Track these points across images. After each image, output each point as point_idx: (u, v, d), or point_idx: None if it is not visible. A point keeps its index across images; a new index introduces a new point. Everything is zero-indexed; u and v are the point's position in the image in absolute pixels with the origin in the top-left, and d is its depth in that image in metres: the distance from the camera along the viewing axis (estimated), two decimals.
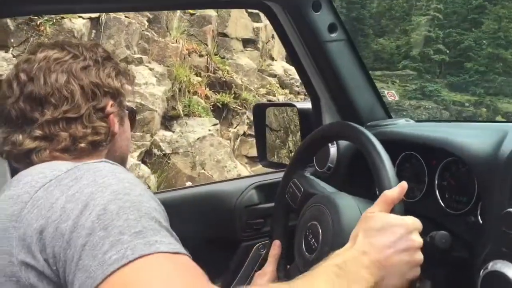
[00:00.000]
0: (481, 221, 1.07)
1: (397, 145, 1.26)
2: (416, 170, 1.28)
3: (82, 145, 0.91)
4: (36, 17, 4.36)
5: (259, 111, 1.68)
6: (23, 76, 0.92)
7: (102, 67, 0.97)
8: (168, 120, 5.60)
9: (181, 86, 5.89)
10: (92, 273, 0.64)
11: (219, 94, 6.66)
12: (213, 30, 7.79)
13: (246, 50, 8.64)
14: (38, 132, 0.90)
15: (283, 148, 1.73)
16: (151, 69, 5.55)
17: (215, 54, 7.62)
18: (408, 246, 0.86)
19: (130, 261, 0.63)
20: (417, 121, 1.54)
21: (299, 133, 1.58)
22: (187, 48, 6.66)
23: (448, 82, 31.83)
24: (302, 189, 1.18)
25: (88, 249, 0.66)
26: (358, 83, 1.42)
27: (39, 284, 0.70)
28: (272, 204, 1.31)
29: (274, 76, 8.64)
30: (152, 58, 5.85)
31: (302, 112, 1.53)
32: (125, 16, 5.59)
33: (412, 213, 0.96)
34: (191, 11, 7.88)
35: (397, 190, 0.91)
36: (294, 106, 1.57)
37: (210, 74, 6.90)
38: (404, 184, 0.92)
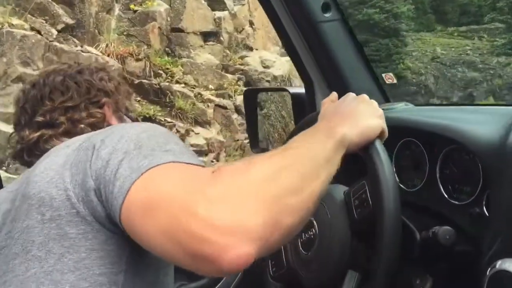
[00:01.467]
0: (487, 214, 1.15)
1: (395, 131, 1.31)
2: (416, 157, 1.37)
3: (82, 126, 1.22)
4: None
5: (250, 96, 1.80)
6: (27, 86, 1.31)
7: (95, 72, 1.32)
8: None
9: None
10: (128, 177, 0.85)
11: (151, 104, 6.78)
12: (159, 28, 7.92)
13: (207, 44, 8.79)
14: (39, 119, 1.22)
15: (276, 135, 1.84)
16: None
17: (167, 54, 7.72)
18: (361, 99, 1.15)
19: (160, 164, 0.85)
20: (417, 105, 1.65)
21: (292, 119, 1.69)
22: (120, 52, 6.76)
23: None
24: None
25: (124, 163, 0.87)
26: (354, 66, 1.54)
27: (95, 212, 0.91)
28: None
29: (241, 71, 8.73)
30: None
31: (295, 97, 1.65)
32: (24, 29, 5.66)
33: (412, 203, 1.08)
34: (133, 8, 8.00)
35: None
36: (286, 90, 1.70)
37: (144, 81, 7.00)
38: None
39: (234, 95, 8.12)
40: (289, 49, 1.57)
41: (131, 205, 0.84)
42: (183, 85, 7.59)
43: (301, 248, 1.26)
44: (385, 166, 1.07)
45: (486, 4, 33.73)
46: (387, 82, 1.73)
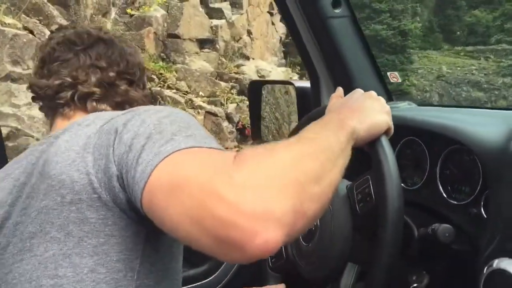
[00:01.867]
0: (484, 214, 1.20)
1: (398, 130, 1.35)
2: (417, 156, 1.44)
3: (128, 107, 1.23)
4: None
5: (255, 88, 1.87)
6: (95, 33, 1.32)
7: (126, 45, 1.35)
8: None
9: None
10: (150, 162, 0.87)
11: None
12: (154, 33, 8.09)
13: (203, 51, 9.00)
14: (111, 74, 1.26)
15: (279, 128, 1.91)
16: None
17: (162, 60, 7.84)
18: (369, 95, 1.21)
19: (182, 149, 0.88)
20: (419, 104, 1.71)
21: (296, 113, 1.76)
22: None
23: None
24: None
25: (147, 148, 0.90)
26: (360, 63, 1.62)
27: (116, 199, 0.95)
28: None
29: (235, 80, 8.89)
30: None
31: (300, 91, 1.72)
32: (17, 28, 5.74)
33: (411, 201, 1.12)
34: (130, 12, 8.21)
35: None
36: (292, 84, 1.76)
37: None
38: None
39: (226, 103, 8.26)
40: (298, 43, 1.64)
41: (153, 189, 0.86)
42: (174, 90, 7.70)
43: (301, 240, 1.32)
44: (390, 163, 1.12)
45: (494, 25, 34.24)
46: (391, 80, 1.82)
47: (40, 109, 1.32)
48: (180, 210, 0.82)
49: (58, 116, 1.26)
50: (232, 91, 8.65)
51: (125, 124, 0.98)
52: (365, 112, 1.14)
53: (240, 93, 8.69)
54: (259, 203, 0.77)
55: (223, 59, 9.38)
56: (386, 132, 1.18)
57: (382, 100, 1.22)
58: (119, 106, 1.26)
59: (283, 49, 13.13)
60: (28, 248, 0.98)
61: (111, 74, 1.26)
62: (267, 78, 9.00)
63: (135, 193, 0.90)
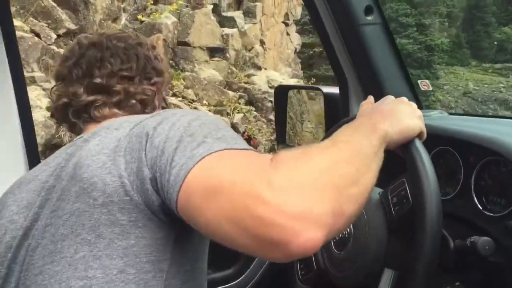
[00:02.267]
0: None
1: (430, 139, 1.38)
2: (451, 166, 1.47)
3: (133, 101, 1.33)
4: None
5: (281, 92, 1.91)
6: (85, 41, 1.39)
7: (152, 49, 1.44)
8: (50, 149, 5.67)
9: None
10: (184, 165, 0.94)
11: None
12: (164, 40, 8.23)
13: (213, 60, 9.19)
14: (97, 81, 1.31)
15: (293, 127, 1.94)
16: (45, 89, 5.80)
17: (171, 67, 7.99)
18: (401, 100, 1.27)
19: (215, 151, 0.94)
20: (450, 113, 1.75)
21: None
22: None
23: None
24: None
25: (179, 151, 0.97)
26: (390, 70, 1.66)
27: (148, 201, 1.01)
28: None
29: (244, 89, 9.03)
30: (53, 76, 5.94)
31: (328, 97, 1.76)
32: (24, 31, 5.90)
33: (443, 212, 1.13)
34: (141, 18, 8.43)
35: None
36: (320, 90, 1.81)
37: None
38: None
39: (233, 113, 8.41)
40: (327, 49, 1.69)
41: (189, 192, 0.92)
42: (180, 98, 7.84)
43: (334, 248, 1.37)
44: (426, 163, 1.17)
45: None
46: (422, 88, 1.84)
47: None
48: (219, 212, 0.88)
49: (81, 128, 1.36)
50: (240, 100, 8.79)
51: (155, 127, 1.04)
52: (397, 116, 1.19)
53: (248, 103, 8.87)
54: (300, 204, 0.84)
55: (233, 68, 9.53)
56: (419, 136, 1.23)
57: (414, 105, 1.28)
58: (121, 105, 1.33)
59: (299, 60, 13.18)
60: (59, 250, 1.03)
61: (99, 80, 1.33)
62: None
63: (170, 196, 0.96)
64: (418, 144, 1.21)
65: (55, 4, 6.85)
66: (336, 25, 1.63)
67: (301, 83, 11.48)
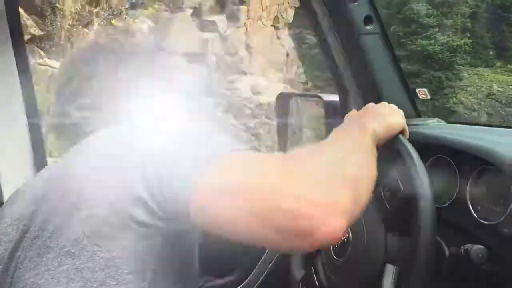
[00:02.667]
0: None
1: (428, 147, 1.48)
2: (446, 175, 1.50)
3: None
4: None
5: (283, 100, 1.97)
6: (76, 57, 1.34)
7: None
8: None
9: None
10: (194, 170, 0.95)
11: None
12: None
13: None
14: (86, 101, 1.26)
15: (303, 142, 1.99)
16: None
17: None
18: (383, 104, 1.41)
19: (222, 154, 0.98)
20: (448, 122, 1.81)
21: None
22: None
23: None
24: None
25: (181, 161, 0.99)
26: (389, 79, 1.74)
27: (136, 216, 1.00)
28: None
29: (223, 96, 8.94)
30: None
31: (328, 106, 1.81)
32: None
33: (438, 219, 1.20)
34: (114, 23, 8.28)
35: None
36: (320, 98, 1.86)
37: None
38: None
39: None
40: (327, 58, 1.77)
41: (202, 196, 0.94)
42: None
43: (333, 254, 1.44)
44: (413, 152, 1.27)
45: None
46: (420, 97, 1.90)
47: None
48: (240, 210, 0.91)
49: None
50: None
51: (150, 141, 1.06)
52: (383, 115, 1.33)
53: (224, 110, 8.92)
54: (326, 195, 0.91)
55: (214, 74, 9.43)
56: (401, 132, 1.35)
57: (394, 106, 1.41)
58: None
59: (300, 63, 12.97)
60: (44, 262, 1.05)
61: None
62: (257, 96, 8.88)
63: (175, 203, 0.97)
64: (402, 138, 1.33)
65: (20, 10, 6.86)
66: (336, 33, 1.70)
67: (288, 87, 11.31)
